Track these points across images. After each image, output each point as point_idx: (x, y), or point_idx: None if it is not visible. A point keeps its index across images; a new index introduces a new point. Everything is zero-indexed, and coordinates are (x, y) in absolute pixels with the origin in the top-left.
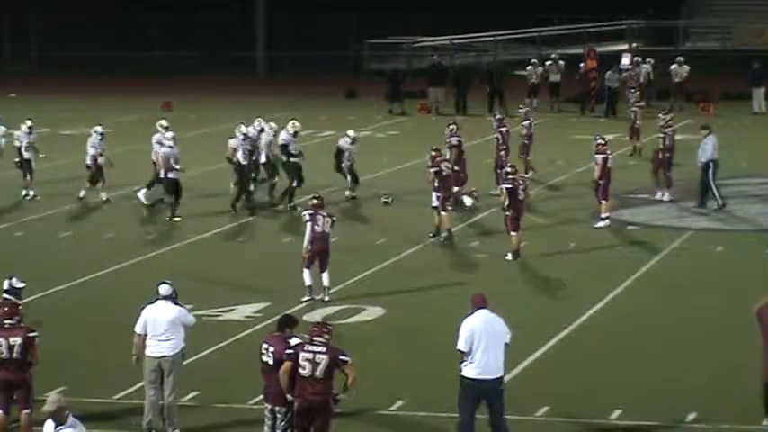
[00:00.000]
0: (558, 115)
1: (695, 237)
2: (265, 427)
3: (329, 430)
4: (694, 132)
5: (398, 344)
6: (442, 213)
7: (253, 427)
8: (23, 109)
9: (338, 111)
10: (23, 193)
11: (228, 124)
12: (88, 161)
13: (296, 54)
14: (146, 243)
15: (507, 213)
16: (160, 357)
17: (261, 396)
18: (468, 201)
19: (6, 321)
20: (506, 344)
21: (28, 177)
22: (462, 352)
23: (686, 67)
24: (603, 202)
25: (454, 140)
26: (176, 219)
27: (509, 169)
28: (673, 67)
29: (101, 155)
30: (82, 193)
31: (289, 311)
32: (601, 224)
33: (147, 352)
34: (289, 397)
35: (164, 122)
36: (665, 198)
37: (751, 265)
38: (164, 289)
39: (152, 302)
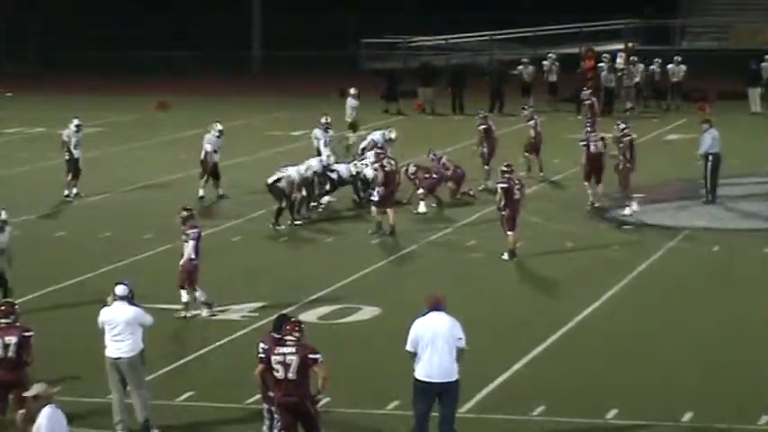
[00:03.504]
0: (556, 114)
1: (691, 236)
2: (264, 428)
3: (319, 428)
4: (690, 131)
5: (394, 343)
6: (387, 210)
7: (250, 426)
8: (17, 107)
9: (333, 110)
10: (65, 192)
11: (223, 124)
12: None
13: (292, 53)
14: (141, 242)
15: (504, 213)
16: (116, 359)
17: (258, 396)
18: (422, 207)
19: (2, 320)
20: (461, 349)
21: (70, 176)
22: (409, 353)
23: (683, 67)
24: (586, 183)
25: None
26: (297, 222)
27: (504, 168)
28: (669, 66)
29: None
30: (73, 191)
31: (285, 311)
32: (627, 211)
33: (106, 353)
34: (271, 394)
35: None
36: (636, 208)
37: (747, 265)
38: (120, 290)
39: (107, 304)
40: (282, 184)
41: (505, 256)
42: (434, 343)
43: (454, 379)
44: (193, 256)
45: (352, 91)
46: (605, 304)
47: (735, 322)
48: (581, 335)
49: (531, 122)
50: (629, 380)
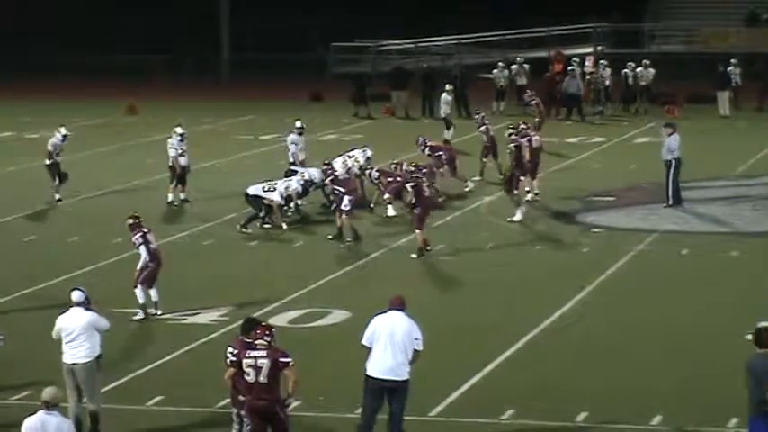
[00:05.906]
0: (523, 118)
1: (661, 239)
2: (233, 431)
3: None
4: (659, 135)
5: (364, 347)
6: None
7: (218, 431)
8: None
9: (303, 114)
10: (57, 197)
11: (192, 128)
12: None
13: (261, 57)
14: (110, 247)
15: (415, 212)
16: (72, 364)
17: (227, 400)
18: (391, 211)
19: None
20: (416, 350)
21: (56, 181)
22: (365, 346)
23: (652, 70)
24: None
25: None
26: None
27: (412, 168)
28: (639, 69)
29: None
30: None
31: (254, 315)
32: (516, 218)
33: (63, 359)
34: (241, 398)
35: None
36: (515, 219)
37: (716, 268)
38: (75, 295)
39: (65, 310)
40: (266, 202)
41: (414, 255)
42: (389, 340)
43: (404, 379)
44: (143, 263)
45: (447, 87)
46: (575, 307)
47: (704, 325)
48: (550, 338)
49: (483, 128)
50: (599, 383)
